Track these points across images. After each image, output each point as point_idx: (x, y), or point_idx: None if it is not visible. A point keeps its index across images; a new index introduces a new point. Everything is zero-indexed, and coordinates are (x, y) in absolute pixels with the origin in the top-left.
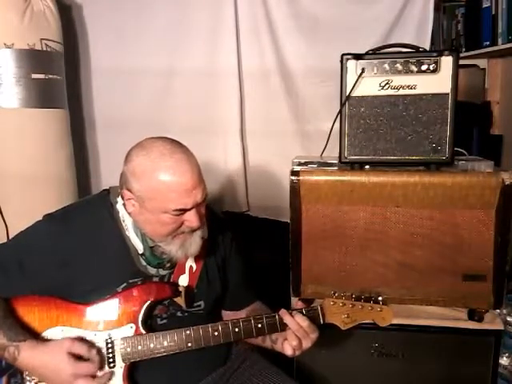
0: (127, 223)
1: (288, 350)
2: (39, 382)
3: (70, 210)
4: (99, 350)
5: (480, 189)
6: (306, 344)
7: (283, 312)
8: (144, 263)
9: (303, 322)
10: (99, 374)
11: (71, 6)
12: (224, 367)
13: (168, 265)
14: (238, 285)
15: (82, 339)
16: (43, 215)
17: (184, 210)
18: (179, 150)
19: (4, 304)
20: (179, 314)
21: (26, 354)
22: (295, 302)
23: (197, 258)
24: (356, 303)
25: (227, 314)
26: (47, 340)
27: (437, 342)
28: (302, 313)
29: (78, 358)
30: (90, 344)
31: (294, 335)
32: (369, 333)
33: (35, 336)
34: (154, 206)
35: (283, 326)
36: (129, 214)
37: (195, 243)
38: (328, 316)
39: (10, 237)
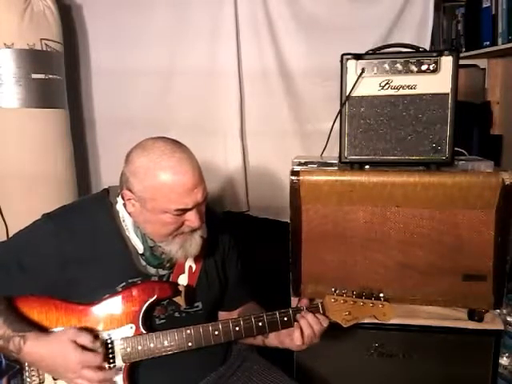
0: (127, 223)
1: (298, 340)
2: (41, 380)
3: (69, 209)
4: (103, 343)
5: (480, 189)
6: (319, 329)
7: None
8: (144, 263)
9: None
10: (106, 366)
11: (71, 6)
12: (224, 367)
13: (168, 265)
14: (234, 284)
15: (86, 330)
16: (42, 214)
17: (185, 210)
18: (180, 149)
19: (6, 300)
20: (177, 314)
21: (32, 344)
22: (300, 300)
23: (196, 258)
24: (357, 300)
25: (221, 315)
26: (51, 332)
27: (437, 342)
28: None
29: (83, 348)
30: (95, 335)
31: (308, 324)
32: (369, 333)
33: None
34: (154, 206)
35: (284, 324)
36: (129, 214)
37: (195, 243)
38: (329, 314)
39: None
